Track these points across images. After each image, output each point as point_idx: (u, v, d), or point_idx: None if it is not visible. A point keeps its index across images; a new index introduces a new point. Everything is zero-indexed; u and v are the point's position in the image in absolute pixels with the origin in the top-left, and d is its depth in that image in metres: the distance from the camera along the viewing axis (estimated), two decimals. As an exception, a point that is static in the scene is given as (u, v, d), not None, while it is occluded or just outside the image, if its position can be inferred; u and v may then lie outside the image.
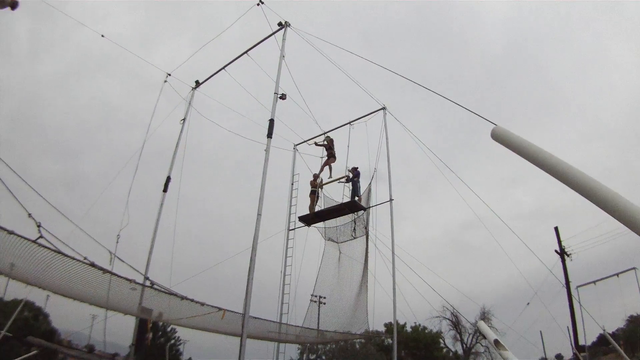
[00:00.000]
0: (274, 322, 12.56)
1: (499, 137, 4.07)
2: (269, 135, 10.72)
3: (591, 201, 3.08)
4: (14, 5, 9.34)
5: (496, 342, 6.19)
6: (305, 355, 35.19)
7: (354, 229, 16.76)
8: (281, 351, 15.46)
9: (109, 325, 10.57)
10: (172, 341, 24.18)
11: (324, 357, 37.07)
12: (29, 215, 7.32)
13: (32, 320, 18.34)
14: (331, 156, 16.22)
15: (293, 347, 31.59)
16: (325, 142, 16.47)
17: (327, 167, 16.32)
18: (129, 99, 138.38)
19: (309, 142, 17.64)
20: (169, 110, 14.88)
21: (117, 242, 10.26)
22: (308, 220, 16.08)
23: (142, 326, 12.27)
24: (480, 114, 5.88)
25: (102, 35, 13.29)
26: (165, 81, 14.16)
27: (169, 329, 23.50)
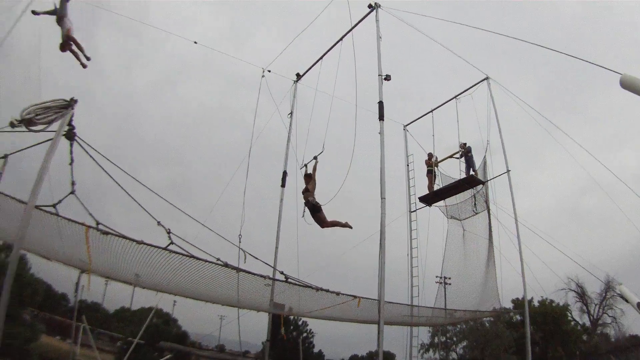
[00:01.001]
0: (406, 305, 12.13)
1: (629, 84, 3.95)
2: (381, 117, 10.38)
3: None
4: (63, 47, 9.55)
5: (639, 304, 6.31)
6: (436, 337, 34.53)
7: (475, 204, 16.31)
8: (414, 335, 15.46)
9: (236, 324, 10.72)
10: (305, 334, 24.66)
11: (454, 339, 36.11)
12: (158, 223, 7.45)
13: (163, 326, 19.74)
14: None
15: (424, 331, 31.11)
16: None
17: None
18: (226, 99, 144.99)
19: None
20: (267, 106, 14.87)
21: (240, 241, 10.28)
22: (428, 199, 15.83)
23: (275, 322, 12.40)
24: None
25: (195, 42, 13.46)
26: (263, 76, 14.14)
27: (300, 322, 23.99)
